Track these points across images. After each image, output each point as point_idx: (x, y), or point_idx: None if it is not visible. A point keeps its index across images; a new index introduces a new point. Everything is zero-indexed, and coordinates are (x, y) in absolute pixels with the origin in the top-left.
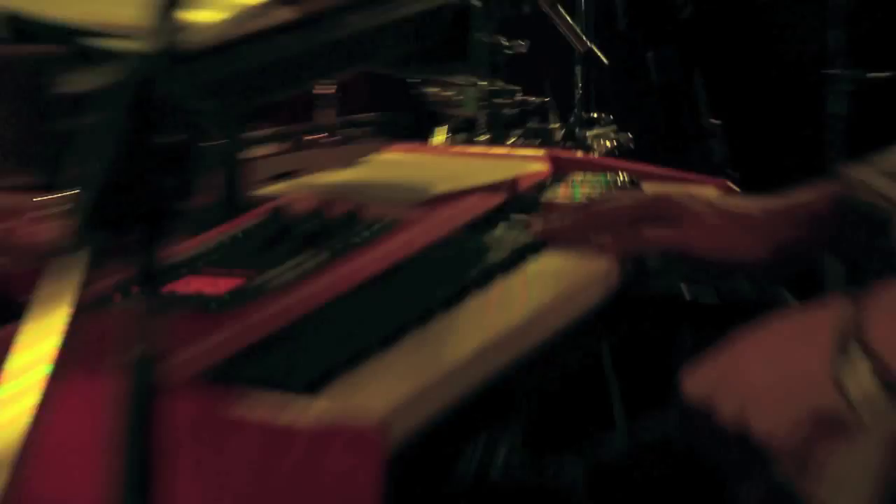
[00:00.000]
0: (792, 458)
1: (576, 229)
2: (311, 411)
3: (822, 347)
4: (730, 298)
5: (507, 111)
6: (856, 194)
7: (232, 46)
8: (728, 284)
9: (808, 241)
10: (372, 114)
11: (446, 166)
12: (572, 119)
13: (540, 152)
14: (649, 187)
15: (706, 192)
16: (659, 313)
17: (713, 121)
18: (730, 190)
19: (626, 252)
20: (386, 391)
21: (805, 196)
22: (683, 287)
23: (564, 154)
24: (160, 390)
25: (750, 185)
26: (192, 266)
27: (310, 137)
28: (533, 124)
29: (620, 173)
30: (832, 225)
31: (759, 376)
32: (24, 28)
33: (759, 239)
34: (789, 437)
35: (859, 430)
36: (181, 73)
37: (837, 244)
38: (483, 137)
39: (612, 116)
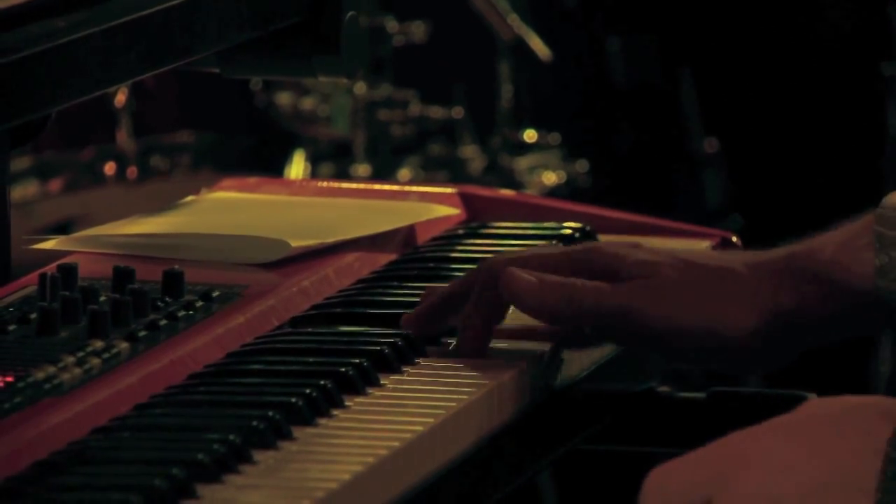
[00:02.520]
0: None
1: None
2: None
3: (859, 452)
4: (725, 396)
5: (397, 130)
6: None
7: None
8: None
9: (827, 311)
10: (188, 133)
11: (307, 211)
12: (496, 141)
13: (447, 189)
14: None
15: (696, 248)
16: (620, 418)
17: (708, 142)
18: (731, 246)
19: (554, 319)
20: None
21: (824, 241)
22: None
23: (483, 192)
24: None
25: (760, 236)
26: None
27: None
28: (436, 149)
29: (569, 221)
30: (867, 285)
31: (770, 486)
32: None
33: (746, 303)
34: None
35: None
36: None
37: (878, 315)
38: (362, 169)
39: (556, 137)
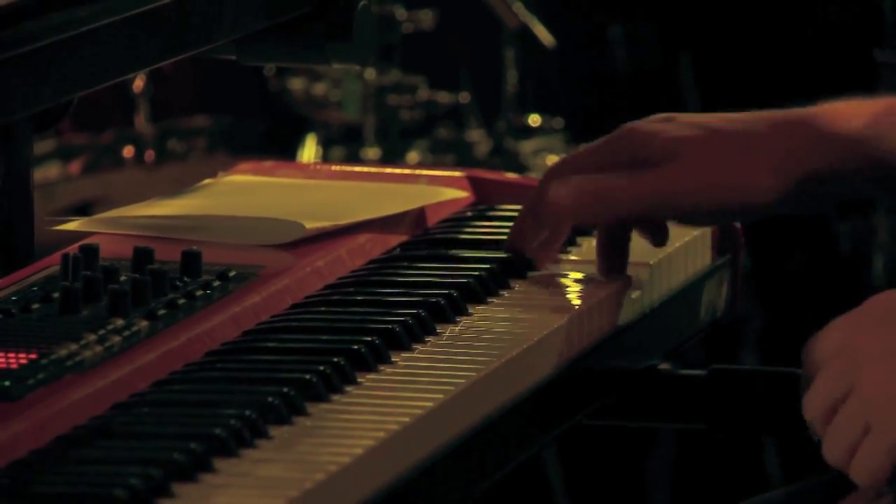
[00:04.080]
0: None
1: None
2: None
3: None
4: (724, 373)
5: (406, 114)
6: None
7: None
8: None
9: (853, 176)
10: (205, 117)
11: (320, 194)
12: (501, 125)
13: (455, 173)
14: None
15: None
16: (622, 395)
17: None
18: (730, 226)
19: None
20: None
21: (850, 111)
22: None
23: (491, 176)
24: None
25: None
26: None
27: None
28: (444, 132)
29: None
30: None
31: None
32: None
33: (772, 169)
34: None
35: None
36: None
37: None
38: (372, 152)
39: (560, 121)
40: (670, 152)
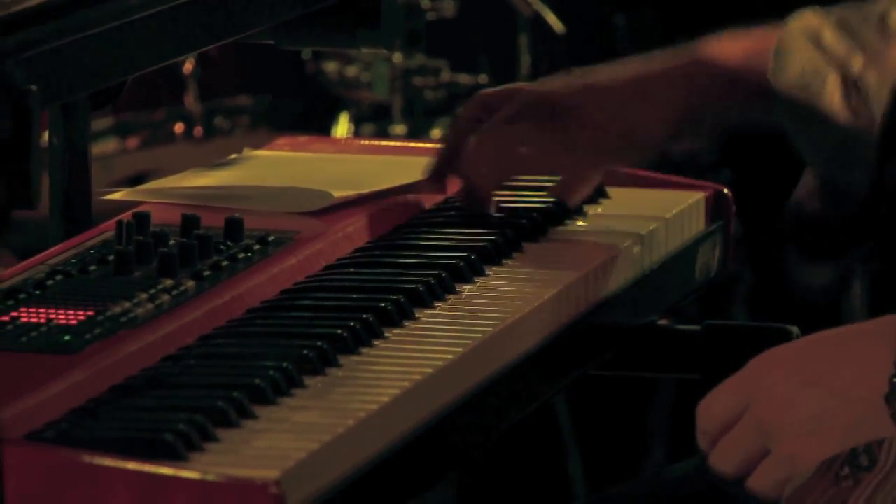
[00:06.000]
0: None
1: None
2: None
3: (876, 370)
4: (717, 328)
5: (429, 94)
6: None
7: (62, 12)
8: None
9: (727, 108)
10: (247, 97)
11: (350, 166)
12: None
13: None
14: (619, 194)
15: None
16: (625, 348)
17: None
18: (723, 199)
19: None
20: (280, 449)
21: (727, 50)
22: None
23: None
24: None
25: (748, 189)
26: (15, 297)
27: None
28: None
29: None
30: (760, 89)
31: (796, 402)
32: None
33: (661, 115)
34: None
35: None
36: (2, 45)
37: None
38: (399, 129)
39: None
40: (570, 109)
